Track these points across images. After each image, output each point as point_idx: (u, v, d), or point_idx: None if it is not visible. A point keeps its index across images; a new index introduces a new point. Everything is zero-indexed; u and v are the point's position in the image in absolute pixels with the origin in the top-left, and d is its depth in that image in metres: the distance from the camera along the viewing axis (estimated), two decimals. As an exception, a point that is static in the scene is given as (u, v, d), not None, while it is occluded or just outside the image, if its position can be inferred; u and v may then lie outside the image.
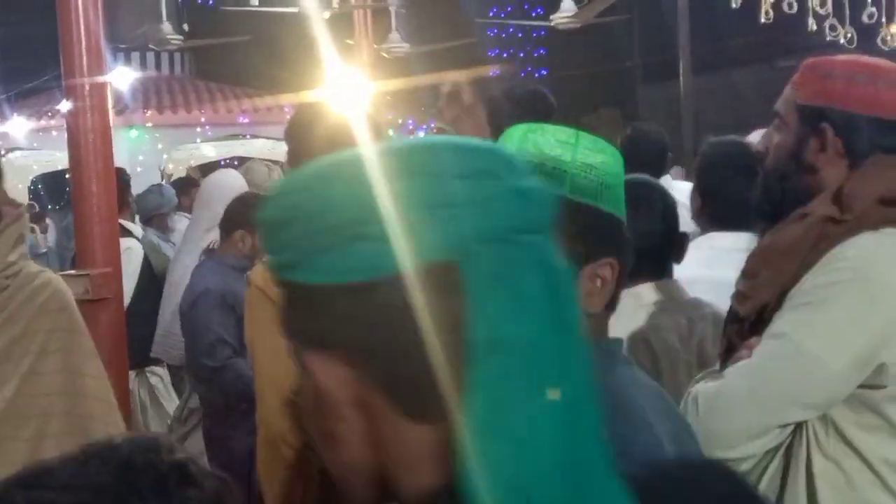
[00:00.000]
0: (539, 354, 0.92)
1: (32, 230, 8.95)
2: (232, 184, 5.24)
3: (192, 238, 5.26)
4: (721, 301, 2.46)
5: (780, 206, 2.18)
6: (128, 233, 5.65)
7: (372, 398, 0.96)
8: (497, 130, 1.71)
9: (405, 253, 0.92)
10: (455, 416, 0.91)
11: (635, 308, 2.53)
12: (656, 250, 2.60)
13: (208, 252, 4.87)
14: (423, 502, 0.96)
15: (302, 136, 2.72)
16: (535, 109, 3.94)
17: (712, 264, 2.85)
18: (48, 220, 14.09)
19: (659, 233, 2.65)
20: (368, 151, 0.95)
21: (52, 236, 13.90)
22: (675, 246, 2.63)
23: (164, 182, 10.26)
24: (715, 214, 3.15)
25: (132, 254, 5.52)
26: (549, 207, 1.01)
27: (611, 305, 1.64)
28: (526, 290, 0.93)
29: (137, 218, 6.58)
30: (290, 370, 2.80)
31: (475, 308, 0.91)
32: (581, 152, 1.58)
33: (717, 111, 15.97)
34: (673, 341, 2.55)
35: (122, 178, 6.06)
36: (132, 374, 5.15)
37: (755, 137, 3.14)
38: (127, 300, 5.09)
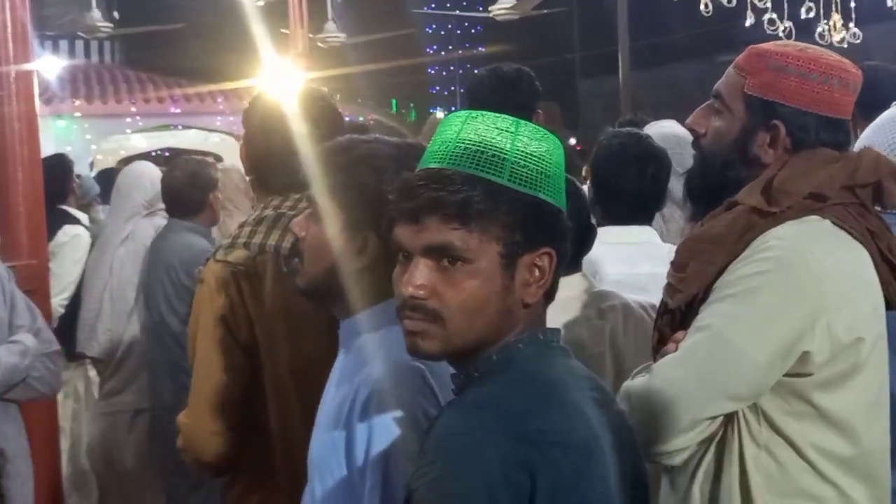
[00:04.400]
0: None
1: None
2: (150, 173, 5.02)
3: (112, 230, 5.03)
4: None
5: (718, 193, 2.16)
6: (74, 220, 5.43)
7: None
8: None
9: None
10: None
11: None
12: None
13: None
14: None
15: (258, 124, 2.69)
16: (520, 88, 3.75)
17: (602, 260, 2.86)
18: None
19: (572, 226, 2.61)
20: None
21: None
22: (585, 239, 2.58)
23: (89, 173, 10.00)
24: (607, 208, 3.13)
25: (80, 241, 5.26)
26: None
27: (549, 295, 1.63)
28: None
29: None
30: (232, 371, 2.68)
31: None
32: (521, 140, 1.56)
33: (657, 106, 16.02)
34: (582, 335, 2.53)
35: (65, 164, 5.86)
36: (72, 364, 4.95)
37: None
38: (74, 287, 5.03)
